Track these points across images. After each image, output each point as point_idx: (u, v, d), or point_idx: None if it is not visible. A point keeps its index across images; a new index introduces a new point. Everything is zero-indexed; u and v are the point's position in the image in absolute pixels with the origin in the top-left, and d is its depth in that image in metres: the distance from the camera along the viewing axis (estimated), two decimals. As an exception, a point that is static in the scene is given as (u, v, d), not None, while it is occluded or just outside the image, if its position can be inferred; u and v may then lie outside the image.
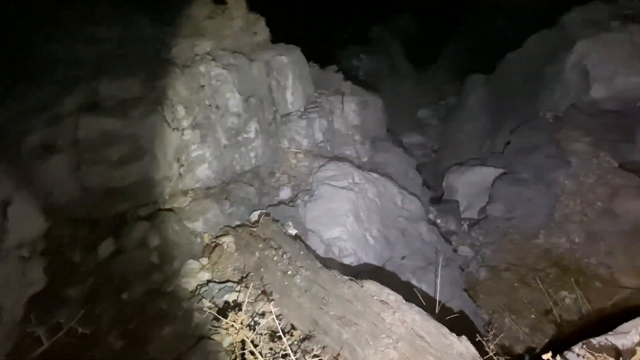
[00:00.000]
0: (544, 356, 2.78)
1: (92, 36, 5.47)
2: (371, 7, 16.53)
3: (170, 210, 5.20)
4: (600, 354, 2.81)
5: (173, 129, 5.08)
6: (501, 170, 8.77)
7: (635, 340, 3.14)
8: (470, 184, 9.28)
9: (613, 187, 7.75)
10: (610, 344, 3.17)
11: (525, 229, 7.74)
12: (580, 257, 7.19)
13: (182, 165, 5.19)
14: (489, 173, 8.99)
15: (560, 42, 9.45)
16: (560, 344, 3.90)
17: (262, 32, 6.76)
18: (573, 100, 8.90)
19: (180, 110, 5.17)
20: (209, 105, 5.61)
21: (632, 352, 2.85)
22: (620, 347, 3.11)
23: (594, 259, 7.13)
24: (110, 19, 5.77)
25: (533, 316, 6.40)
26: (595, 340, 3.24)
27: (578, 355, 3.09)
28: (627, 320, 3.64)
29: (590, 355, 2.86)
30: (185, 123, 5.18)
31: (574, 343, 3.46)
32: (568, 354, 3.21)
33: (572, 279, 6.59)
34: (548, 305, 6.30)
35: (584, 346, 3.17)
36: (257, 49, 6.66)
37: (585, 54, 8.76)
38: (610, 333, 3.30)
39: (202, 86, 5.58)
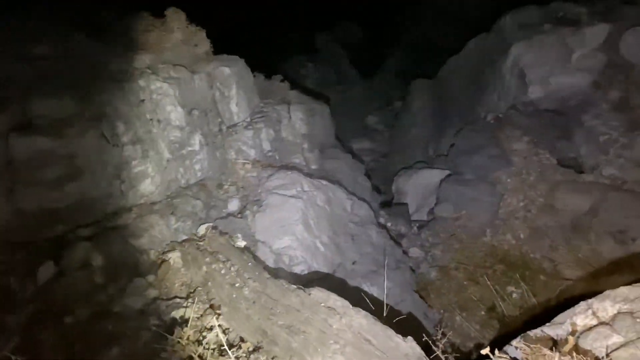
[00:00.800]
0: (483, 351, 2.86)
1: (25, 54, 5.30)
2: (316, 16, 16.68)
3: (113, 228, 5.07)
4: (535, 345, 2.91)
5: (112, 146, 4.96)
6: (447, 172, 9.00)
7: (570, 330, 3.28)
8: (418, 186, 9.47)
9: (553, 183, 8.09)
10: (546, 335, 3.29)
11: (472, 227, 7.96)
12: (526, 252, 7.46)
13: (123, 182, 5.07)
14: (435, 175, 9.21)
15: (497, 45, 9.80)
16: (506, 338, 4.02)
17: (203, 44, 6.71)
18: (512, 101, 9.24)
19: (120, 126, 5.06)
20: (150, 119, 5.51)
21: (566, 341, 2.97)
22: (555, 337, 3.24)
23: (538, 253, 7.41)
24: (45, 35, 5.61)
25: (482, 312, 6.59)
26: (532, 333, 3.36)
27: (516, 348, 3.19)
28: (567, 310, 3.80)
29: (526, 348, 2.96)
30: (125, 139, 5.07)
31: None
32: (508, 348, 3.31)
33: (518, 274, 6.83)
34: (496, 301, 6.50)
35: (522, 339, 3.28)
36: (198, 61, 6.61)
37: (521, 56, 9.12)
38: (547, 324, 3.42)
39: (142, 100, 5.48)
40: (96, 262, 4.70)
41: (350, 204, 7.17)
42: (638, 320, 3.10)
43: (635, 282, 3.76)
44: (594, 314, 3.39)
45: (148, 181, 5.31)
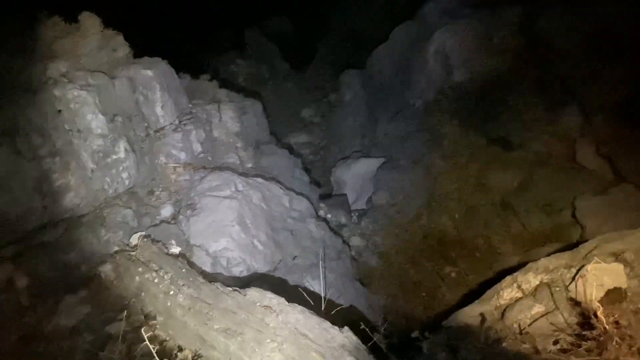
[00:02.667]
0: (413, 334, 2.93)
1: None
2: (243, 12, 16.47)
3: (39, 246, 4.85)
4: (464, 323, 3.01)
5: (29, 160, 4.73)
6: (382, 160, 9.14)
7: (497, 305, 3.41)
8: (356, 176, 9.59)
9: (483, 163, 8.37)
10: (476, 311, 3.40)
11: (409, 212, 8.14)
12: (461, 231, 7.70)
13: (45, 197, 4.85)
14: (372, 164, 9.34)
15: (421, 32, 10.01)
16: (445, 317, 4.14)
17: (122, 48, 6.47)
18: (439, 86, 9.47)
19: (36, 139, 4.83)
20: (69, 129, 5.28)
21: (492, 315, 3.08)
22: (484, 312, 3.35)
23: (473, 232, 7.67)
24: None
25: (424, 294, 6.76)
26: (463, 310, 3.46)
27: (450, 327, 3.29)
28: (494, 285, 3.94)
29: (456, 326, 3.05)
30: (42, 152, 4.84)
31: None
32: (441, 329, 3.40)
33: (455, 254, 7.04)
34: (436, 282, 6.68)
35: (455, 317, 3.38)
36: (118, 65, 6.38)
37: (444, 42, 9.35)
38: (476, 301, 3.55)
39: (59, 110, 5.24)
40: (21, 283, 4.48)
41: (288, 200, 7.15)
42: (557, 289, 3.26)
43: (558, 251, 3.95)
44: (518, 287, 3.54)
45: (72, 194, 5.09)
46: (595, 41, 8.08)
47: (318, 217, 7.73)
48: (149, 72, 6.60)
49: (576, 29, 8.37)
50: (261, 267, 5.74)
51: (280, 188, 7.16)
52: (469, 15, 9.37)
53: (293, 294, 4.65)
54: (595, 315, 2.63)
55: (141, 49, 6.99)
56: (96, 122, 5.53)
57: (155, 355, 3.10)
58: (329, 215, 8.48)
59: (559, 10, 8.61)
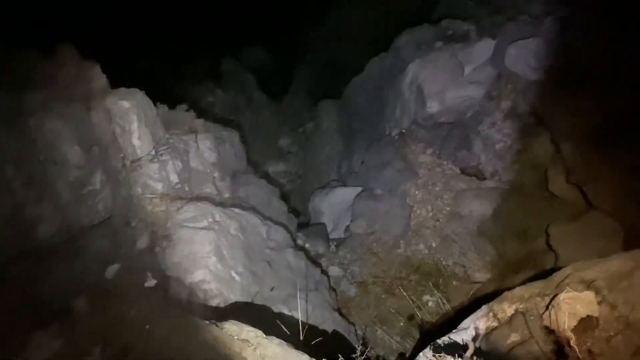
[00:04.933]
0: (391, 366, 2.93)
1: None
2: (220, 42, 16.64)
3: (10, 278, 4.74)
4: (440, 354, 3.03)
5: (3, 191, 4.66)
6: (359, 189, 9.22)
7: (473, 334, 3.44)
8: (333, 205, 9.63)
9: (457, 192, 8.50)
10: (452, 341, 3.43)
11: (386, 241, 8.19)
12: (438, 260, 7.76)
13: (17, 229, 4.77)
14: (349, 193, 9.41)
15: (396, 64, 10.23)
16: (423, 346, 4.14)
17: (99, 78, 6.47)
18: (413, 116, 9.66)
19: (10, 170, 4.77)
20: (45, 160, 5.23)
21: (468, 347, 3.11)
22: (460, 342, 3.38)
23: (450, 260, 7.74)
24: None
25: (402, 324, 6.76)
26: (440, 341, 3.49)
27: (427, 357, 3.30)
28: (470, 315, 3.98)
29: (432, 358, 3.07)
30: (16, 183, 4.78)
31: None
32: (420, 358, 3.42)
33: (432, 283, 7.08)
34: (414, 311, 6.69)
35: (431, 348, 3.40)
36: (95, 96, 6.36)
37: (417, 73, 9.56)
38: (453, 331, 3.58)
39: (35, 141, 5.20)
40: (-11, 318, 4.37)
41: (265, 230, 7.14)
42: (532, 318, 3.31)
43: (535, 278, 4.02)
44: (494, 316, 3.58)
45: (45, 225, 5.02)
46: (563, 72, 8.35)
47: (296, 246, 7.72)
48: (126, 103, 6.59)
49: (545, 60, 8.66)
50: (238, 298, 5.68)
51: (258, 218, 7.15)
52: (442, 48, 9.62)
53: (271, 325, 4.63)
54: (569, 344, 2.69)
55: (118, 79, 7.00)
56: (72, 153, 5.50)
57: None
58: (307, 245, 8.47)
59: (526, 44, 8.90)
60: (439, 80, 9.34)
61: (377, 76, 10.83)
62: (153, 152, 7.01)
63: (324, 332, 5.71)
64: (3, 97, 5.37)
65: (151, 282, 5.05)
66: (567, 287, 3.13)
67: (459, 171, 8.75)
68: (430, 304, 6.80)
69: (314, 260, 7.87)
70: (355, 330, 6.75)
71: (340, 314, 6.82)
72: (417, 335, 6.42)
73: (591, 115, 7.96)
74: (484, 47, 9.17)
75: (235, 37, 17.42)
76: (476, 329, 3.48)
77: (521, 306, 3.54)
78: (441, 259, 7.65)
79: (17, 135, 5.08)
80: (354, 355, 4.39)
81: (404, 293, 6.80)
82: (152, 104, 7.35)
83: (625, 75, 7.03)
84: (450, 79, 9.31)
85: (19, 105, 5.46)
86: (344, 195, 9.50)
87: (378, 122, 10.43)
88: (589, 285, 3.34)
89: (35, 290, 4.81)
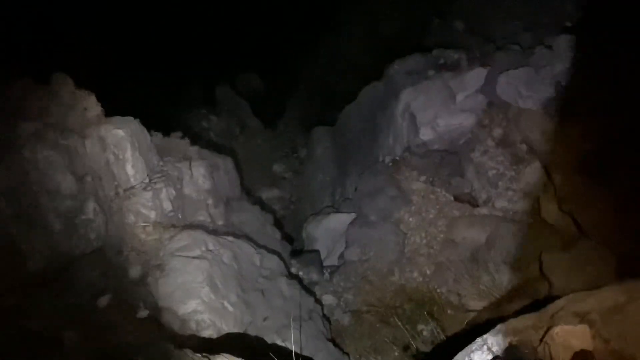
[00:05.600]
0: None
1: None
2: (214, 69, 16.80)
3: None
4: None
5: (-7, 223, 4.64)
6: (353, 215, 9.22)
7: (468, 369, 3.42)
8: (327, 231, 9.62)
9: (451, 219, 8.52)
10: (448, 375, 3.41)
11: (380, 268, 8.17)
12: (433, 288, 7.73)
13: (5, 262, 4.73)
14: (342, 219, 9.41)
15: (388, 92, 10.35)
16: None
17: (93, 107, 6.49)
18: (406, 143, 9.73)
19: (0, 202, 4.75)
20: (37, 190, 5.22)
21: (463, 381, 3.10)
22: (456, 377, 3.36)
23: (444, 287, 7.71)
24: None
25: (396, 354, 6.70)
26: (436, 374, 3.46)
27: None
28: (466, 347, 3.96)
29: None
30: (6, 215, 4.76)
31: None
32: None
33: (426, 311, 7.04)
34: (408, 341, 6.64)
35: (426, 382, 3.37)
36: (89, 125, 6.38)
37: (410, 101, 9.66)
38: (447, 365, 3.55)
39: (27, 172, 5.19)
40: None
41: (259, 258, 7.11)
42: (526, 351, 3.30)
43: (529, 306, 4.02)
44: (489, 349, 3.57)
45: (36, 257, 4.97)
46: (553, 101, 8.47)
47: (290, 274, 7.68)
48: (121, 132, 6.61)
49: (535, 89, 8.78)
50: (231, 330, 5.63)
51: (252, 246, 7.13)
52: (434, 76, 9.76)
53: (264, 357, 4.58)
54: (564, 380, 2.68)
55: (112, 106, 7.02)
56: (65, 182, 5.49)
57: None
58: (300, 273, 8.43)
59: (517, 73, 9.03)
60: (431, 108, 9.45)
61: (370, 104, 10.94)
62: (147, 180, 6.99)
63: (316, 364, 5.66)
64: (-3, 126, 5.39)
65: (143, 313, 4.99)
66: (562, 321, 3.13)
67: (452, 198, 8.78)
68: (425, 333, 6.76)
69: (307, 289, 7.82)
70: (350, 361, 6.69)
71: (334, 343, 6.76)
72: (412, 366, 6.37)
73: (581, 144, 8.05)
74: (476, 76, 9.30)
75: (230, 64, 17.59)
76: (471, 362, 3.47)
77: (515, 339, 3.53)
78: (436, 287, 7.63)
79: (9, 165, 5.08)
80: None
81: (398, 322, 6.75)
82: (146, 132, 7.37)
83: (615, 107, 7.15)
84: (442, 107, 9.41)
85: (12, 134, 5.47)
86: (338, 221, 9.50)
87: (371, 149, 10.50)
88: (582, 318, 3.34)
89: (24, 323, 4.75)
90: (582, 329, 3.12)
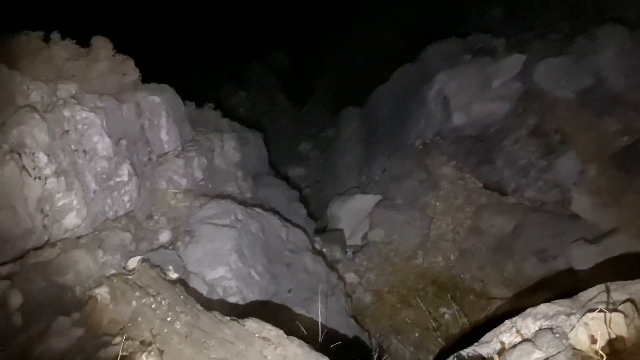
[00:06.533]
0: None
1: None
2: (246, 46, 16.79)
3: (35, 265, 4.81)
4: (465, 365, 3.02)
5: (34, 178, 4.74)
6: (379, 197, 9.21)
7: (497, 348, 3.41)
8: (352, 212, 9.62)
9: (478, 206, 8.46)
10: (477, 353, 3.41)
11: (404, 251, 8.17)
12: (456, 273, 7.71)
13: (46, 216, 4.84)
14: (368, 200, 9.39)
15: (422, 75, 10.25)
16: (440, 359, 4.13)
17: (132, 73, 6.56)
18: (437, 128, 9.65)
19: (42, 158, 4.84)
20: (75, 150, 5.31)
21: (490, 358, 3.10)
22: (485, 355, 3.36)
23: (467, 274, 7.68)
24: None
25: (416, 335, 6.72)
26: (464, 352, 3.47)
27: (450, 368, 3.29)
28: (494, 328, 3.95)
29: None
30: (48, 171, 4.85)
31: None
32: (441, 369, 3.40)
33: (449, 295, 7.03)
34: (429, 323, 6.65)
35: (455, 359, 3.38)
36: (126, 90, 6.46)
37: (444, 85, 9.57)
38: (476, 344, 3.55)
39: (67, 131, 5.29)
40: (14, 302, 4.42)
41: (285, 232, 7.17)
42: (557, 335, 3.28)
43: (555, 298, 3.98)
44: (517, 331, 3.55)
45: (73, 214, 5.08)
46: (592, 92, 8.30)
47: (314, 250, 7.73)
48: (157, 99, 6.69)
49: (574, 79, 8.61)
50: (256, 298, 5.71)
51: (279, 219, 7.19)
52: (470, 61, 9.62)
53: (287, 326, 4.63)
54: (599, 363, 2.66)
55: (145, 76, 7.08)
56: (102, 144, 5.58)
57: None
58: (324, 250, 8.47)
59: (556, 62, 8.86)
60: (466, 93, 9.33)
61: (402, 86, 10.85)
62: (180, 148, 7.09)
63: (340, 337, 5.69)
64: (39, 86, 5.47)
65: (172, 276, 5.06)
66: (600, 307, 3.10)
67: (481, 185, 8.71)
68: (446, 316, 6.76)
69: (330, 265, 7.87)
70: (370, 338, 6.73)
71: (355, 321, 6.80)
72: (432, 348, 6.38)
73: (618, 138, 7.90)
74: (513, 63, 9.14)
75: (260, 42, 17.58)
76: (499, 343, 3.46)
77: (546, 323, 3.51)
78: (459, 273, 7.61)
79: (50, 124, 5.17)
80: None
81: (421, 304, 6.76)
82: (181, 101, 7.45)
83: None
84: (477, 93, 9.29)
85: (54, 95, 5.56)
86: (363, 202, 9.49)
87: (401, 131, 10.43)
88: (617, 307, 3.30)
89: (59, 278, 4.88)
90: (617, 317, 3.09)
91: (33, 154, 4.84)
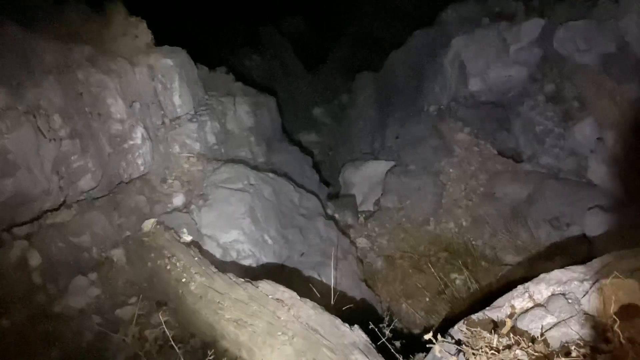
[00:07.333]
0: (426, 336, 2.95)
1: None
2: (259, 9, 16.53)
3: (52, 226, 4.89)
4: (475, 329, 3.03)
5: (49, 140, 4.76)
6: (392, 163, 9.17)
7: (508, 312, 3.42)
8: (364, 177, 9.61)
9: (493, 173, 8.39)
10: (487, 318, 3.43)
11: (416, 217, 8.16)
12: (468, 240, 7.70)
13: (62, 178, 4.88)
14: (381, 166, 9.37)
15: (438, 39, 10.04)
16: (450, 323, 4.16)
17: (144, 35, 6.51)
18: (453, 93, 9.50)
19: (57, 120, 4.86)
20: (90, 112, 5.32)
21: (504, 323, 3.10)
22: (496, 319, 3.38)
23: (480, 240, 7.67)
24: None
25: (427, 299, 6.77)
26: (475, 316, 3.48)
27: (460, 331, 3.31)
28: (506, 293, 3.96)
29: (467, 331, 3.08)
30: (62, 133, 4.87)
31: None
32: (452, 331, 3.43)
33: (461, 261, 7.04)
34: (440, 288, 6.69)
35: (465, 322, 3.40)
36: (139, 52, 6.42)
37: (461, 49, 9.37)
38: (487, 308, 3.56)
39: (81, 93, 5.28)
40: (33, 261, 4.52)
41: (298, 197, 7.20)
42: (569, 301, 3.28)
43: (568, 265, 3.96)
44: (530, 296, 3.55)
45: (89, 176, 5.12)
46: (613, 58, 8.07)
47: (326, 215, 7.76)
48: (169, 61, 6.66)
49: (595, 44, 8.36)
50: (269, 261, 5.78)
51: (291, 185, 7.21)
52: (488, 25, 9.39)
53: (300, 289, 4.68)
54: (612, 329, 2.65)
55: (158, 39, 7.02)
56: (116, 106, 5.59)
57: (171, 340, 3.13)
58: (336, 215, 8.51)
59: (577, 26, 8.60)
60: (483, 58, 9.14)
61: (418, 50, 10.66)
62: (192, 112, 7.08)
63: (352, 300, 5.76)
64: (53, 48, 5.44)
65: (187, 238, 5.12)
66: (615, 273, 3.07)
67: (495, 152, 8.62)
68: (457, 282, 6.78)
69: (343, 230, 7.90)
70: (381, 302, 6.80)
71: (367, 285, 6.87)
72: (443, 312, 6.43)
73: (637, 106, 7.71)
74: (532, 27, 8.90)
75: (275, 4, 17.28)
76: (511, 307, 3.46)
77: (558, 289, 3.50)
78: (471, 239, 7.60)
79: (65, 86, 5.16)
80: (381, 325, 4.42)
81: (432, 269, 6.79)
82: (193, 64, 7.40)
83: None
84: (494, 58, 9.10)
85: (68, 57, 5.53)
86: (376, 168, 9.47)
87: (416, 97, 10.30)
88: (631, 274, 3.28)
89: (76, 239, 4.96)
90: (632, 284, 3.06)
91: (48, 115, 4.85)
